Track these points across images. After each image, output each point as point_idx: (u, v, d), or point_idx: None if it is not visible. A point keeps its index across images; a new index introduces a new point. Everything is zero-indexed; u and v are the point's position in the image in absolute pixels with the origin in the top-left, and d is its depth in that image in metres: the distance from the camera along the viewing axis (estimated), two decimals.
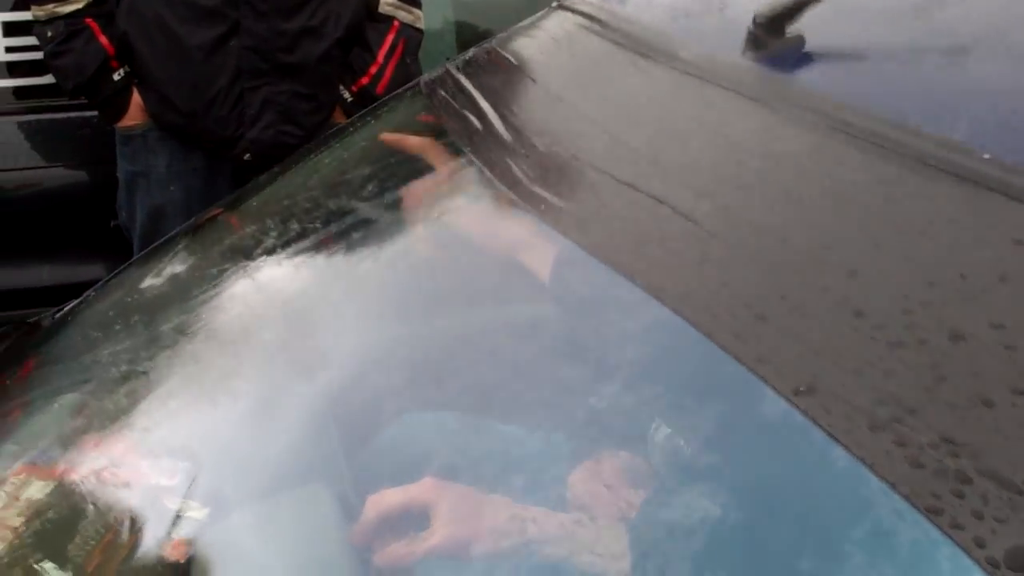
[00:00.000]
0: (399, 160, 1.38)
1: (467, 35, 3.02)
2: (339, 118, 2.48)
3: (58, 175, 2.74)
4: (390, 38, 2.48)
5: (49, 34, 2.34)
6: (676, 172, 0.89)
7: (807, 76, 0.92)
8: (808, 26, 0.94)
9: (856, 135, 0.81)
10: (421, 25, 2.54)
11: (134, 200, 2.53)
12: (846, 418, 0.64)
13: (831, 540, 0.70)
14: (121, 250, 2.60)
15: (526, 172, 1.05)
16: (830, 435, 0.63)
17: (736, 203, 0.82)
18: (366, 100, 2.45)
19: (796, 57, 0.94)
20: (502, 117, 1.15)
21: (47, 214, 2.74)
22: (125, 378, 1.26)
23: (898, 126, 0.80)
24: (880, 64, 0.94)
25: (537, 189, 1.02)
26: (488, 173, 1.11)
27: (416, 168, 1.34)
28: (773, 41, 0.94)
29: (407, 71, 2.50)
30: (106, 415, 1.22)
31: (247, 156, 2.41)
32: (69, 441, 1.20)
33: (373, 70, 2.47)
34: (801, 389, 0.66)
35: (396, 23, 2.49)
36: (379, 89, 2.46)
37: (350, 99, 2.48)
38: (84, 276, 2.74)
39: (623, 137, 0.99)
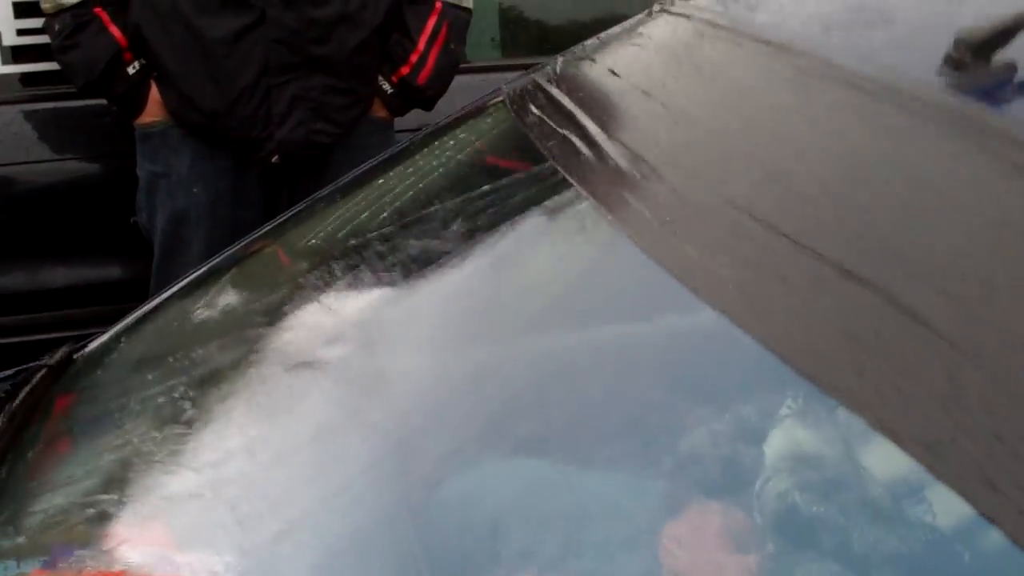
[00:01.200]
0: (474, 188, 1.19)
1: (512, 16, 2.82)
2: (379, 111, 2.30)
3: (73, 168, 2.55)
4: (432, 22, 2.26)
5: (56, 28, 2.13)
6: (875, 239, 0.69)
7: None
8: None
9: None
10: (469, 4, 2.32)
11: (154, 202, 2.33)
12: None
13: None
14: (141, 250, 2.43)
15: (657, 214, 0.84)
16: None
17: (971, 295, 0.61)
18: (408, 91, 2.27)
19: (1008, 87, 0.74)
20: (617, 141, 0.94)
21: (61, 211, 2.55)
22: (161, 453, 1.08)
23: None
24: None
25: (675, 240, 0.82)
26: (604, 211, 0.91)
27: (499, 198, 1.15)
28: (979, 68, 0.75)
29: (452, 57, 2.30)
30: (141, 497, 1.05)
31: (275, 158, 2.21)
32: (97, 534, 1.01)
33: (414, 59, 2.25)
34: None
35: (438, 5, 2.26)
36: (420, 79, 2.26)
37: (391, 91, 2.28)
38: (102, 277, 2.59)
39: (786, 175, 0.78)
